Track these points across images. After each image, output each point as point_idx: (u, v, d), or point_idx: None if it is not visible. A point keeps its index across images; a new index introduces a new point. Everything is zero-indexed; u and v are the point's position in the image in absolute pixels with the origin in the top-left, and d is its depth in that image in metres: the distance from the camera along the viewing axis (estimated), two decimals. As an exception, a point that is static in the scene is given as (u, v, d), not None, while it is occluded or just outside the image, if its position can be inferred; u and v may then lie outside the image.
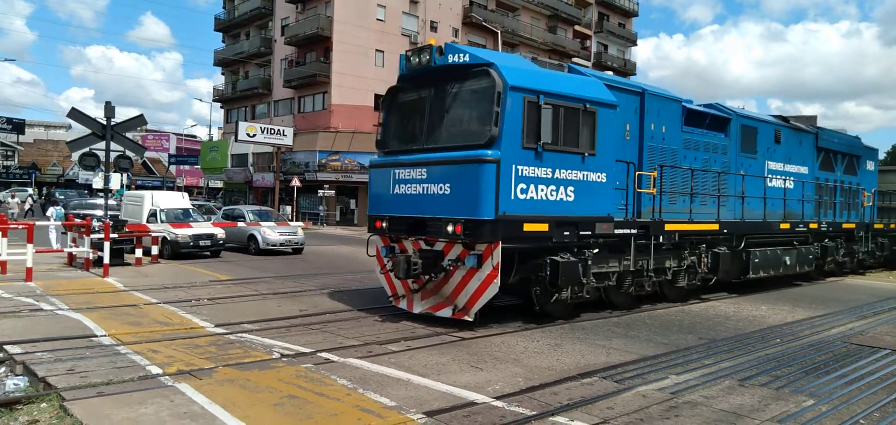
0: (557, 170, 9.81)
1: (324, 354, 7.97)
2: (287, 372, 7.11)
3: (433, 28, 50.38)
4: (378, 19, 48.23)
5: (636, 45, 70.15)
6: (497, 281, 9.22)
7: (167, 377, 6.72)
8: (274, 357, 7.83)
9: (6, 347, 7.84)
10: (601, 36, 66.05)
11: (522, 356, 8.23)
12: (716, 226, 13.21)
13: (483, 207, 9.13)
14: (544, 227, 9.67)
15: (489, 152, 9.16)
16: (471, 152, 9.29)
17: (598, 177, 10.39)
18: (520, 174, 9.39)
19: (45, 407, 5.82)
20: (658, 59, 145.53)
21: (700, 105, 14.04)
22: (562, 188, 9.90)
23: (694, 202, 12.84)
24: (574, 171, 10.04)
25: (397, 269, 10.03)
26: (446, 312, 9.86)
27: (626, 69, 63.98)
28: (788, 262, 15.51)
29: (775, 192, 15.62)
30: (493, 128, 9.20)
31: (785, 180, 16.08)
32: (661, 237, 11.73)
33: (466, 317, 9.61)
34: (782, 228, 15.48)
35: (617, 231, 10.73)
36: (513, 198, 9.32)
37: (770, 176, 15.51)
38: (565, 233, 9.95)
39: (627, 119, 11.44)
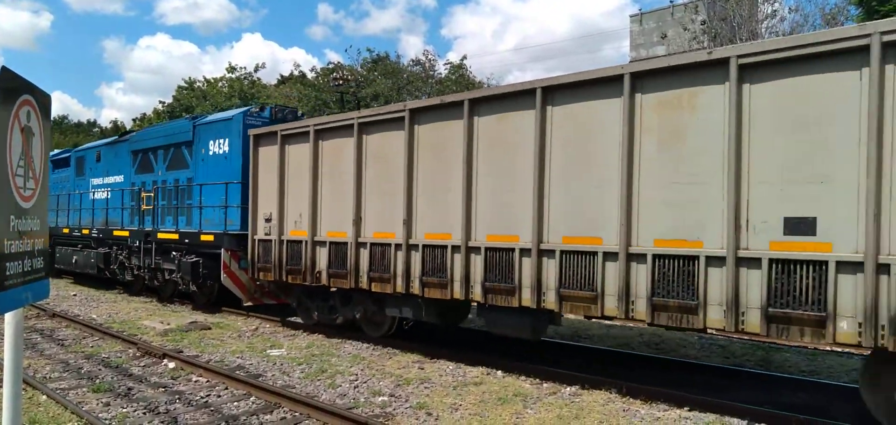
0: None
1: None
2: None
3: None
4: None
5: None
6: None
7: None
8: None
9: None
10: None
11: None
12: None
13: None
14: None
15: None
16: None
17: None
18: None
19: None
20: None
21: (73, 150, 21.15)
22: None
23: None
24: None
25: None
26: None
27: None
28: (77, 261, 18.53)
29: (99, 204, 18.28)
30: None
31: (106, 192, 18.06)
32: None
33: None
34: (84, 233, 18.50)
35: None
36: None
37: (94, 190, 18.64)
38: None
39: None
